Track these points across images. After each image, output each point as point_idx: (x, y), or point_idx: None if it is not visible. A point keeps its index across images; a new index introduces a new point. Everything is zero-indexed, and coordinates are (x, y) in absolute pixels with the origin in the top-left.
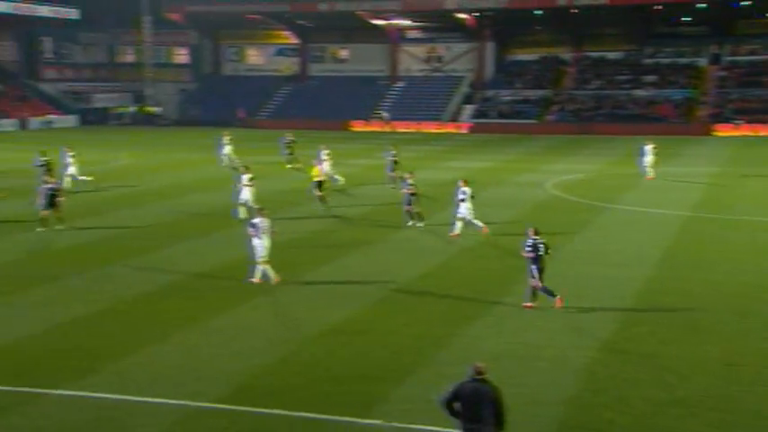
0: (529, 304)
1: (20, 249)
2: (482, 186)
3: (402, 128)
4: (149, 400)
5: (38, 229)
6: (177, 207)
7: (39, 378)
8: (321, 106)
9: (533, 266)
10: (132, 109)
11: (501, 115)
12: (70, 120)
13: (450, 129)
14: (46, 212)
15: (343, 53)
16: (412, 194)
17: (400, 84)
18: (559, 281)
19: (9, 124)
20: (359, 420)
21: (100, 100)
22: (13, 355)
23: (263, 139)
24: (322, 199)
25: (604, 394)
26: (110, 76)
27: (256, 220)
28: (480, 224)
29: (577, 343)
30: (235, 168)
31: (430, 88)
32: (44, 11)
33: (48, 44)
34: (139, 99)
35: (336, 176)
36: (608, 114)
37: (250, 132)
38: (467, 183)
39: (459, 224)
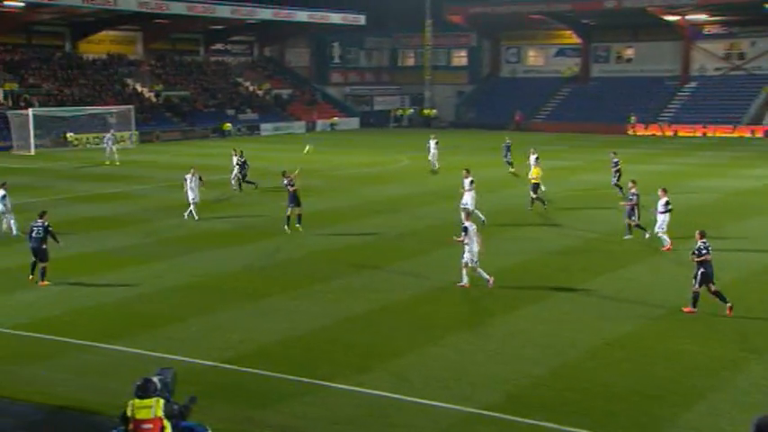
0: (689, 309)
1: (300, 248)
2: None
3: (688, 132)
4: (421, 401)
5: (287, 229)
6: (446, 212)
7: (320, 370)
8: (602, 109)
9: (701, 270)
10: (411, 111)
11: None
12: (352, 122)
13: (747, 133)
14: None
15: (629, 52)
16: (634, 205)
17: (692, 84)
18: None
19: (299, 126)
20: None
21: (380, 102)
22: (299, 346)
23: (536, 143)
24: (534, 202)
25: None
26: (390, 80)
27: (467, 224)
28: (668, 241)
29: None
30: (434, 172)
31: (727, 89)
32: (335, 18)
33: (336, 50)
34: (417, 101)
35: None
36: None
37: (524, 136)
38: (666, 192)
39: (665, 237)
